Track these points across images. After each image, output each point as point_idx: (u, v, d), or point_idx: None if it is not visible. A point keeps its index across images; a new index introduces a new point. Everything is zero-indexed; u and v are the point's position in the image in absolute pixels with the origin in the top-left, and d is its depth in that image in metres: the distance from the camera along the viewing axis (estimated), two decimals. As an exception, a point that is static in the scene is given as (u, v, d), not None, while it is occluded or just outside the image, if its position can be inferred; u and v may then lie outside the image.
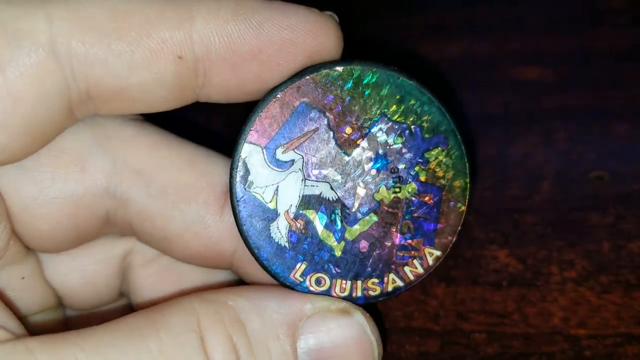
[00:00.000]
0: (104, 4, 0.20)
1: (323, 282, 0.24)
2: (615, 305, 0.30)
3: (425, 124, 0.24)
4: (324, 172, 0.24)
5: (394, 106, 0.23)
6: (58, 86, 0.20)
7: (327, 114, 0.23)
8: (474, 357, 0.30)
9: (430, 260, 0.24)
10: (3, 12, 0.20)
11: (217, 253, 0.25)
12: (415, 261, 0.24)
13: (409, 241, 0.24)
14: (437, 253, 0.24)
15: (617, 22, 0.36)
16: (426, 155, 0.24)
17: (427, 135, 0.24)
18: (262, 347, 0.21)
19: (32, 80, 0.20)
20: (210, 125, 0.33)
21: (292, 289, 0.24)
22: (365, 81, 0.23)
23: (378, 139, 0.24)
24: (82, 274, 0.26)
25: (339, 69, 0.23)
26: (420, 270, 0.24)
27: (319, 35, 0.22)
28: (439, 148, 0.24)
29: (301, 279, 0.24)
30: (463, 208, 0.24)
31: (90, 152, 0.24)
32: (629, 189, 0.32)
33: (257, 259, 0.24)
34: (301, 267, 0.24)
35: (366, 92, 0.23)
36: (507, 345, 0.30)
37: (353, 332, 0.22)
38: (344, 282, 0.24)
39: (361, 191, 0.24)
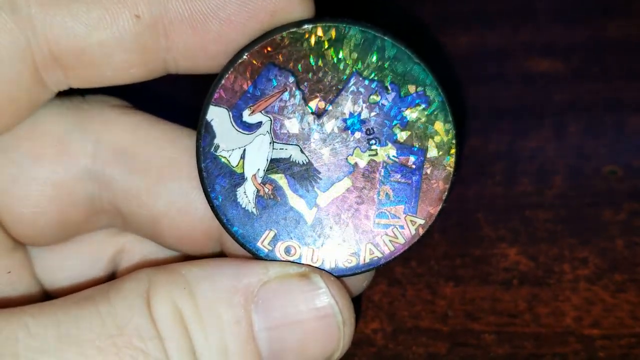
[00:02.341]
0: None
1: (293, 250, 0.23)
2: (630, 305, 0.29)
3: (402, 81, 0.22)
4: (294, 134, 0.22)
5: (368, 63, 0.22)
6: (19, 45, 0.21)
7: (296, 74, 0.22)
8: (484, 359, 0.29)
9: (412, 229, 0.23)
10: None
11: (203, 232, 0.25)
12: (395, 230, 0.23)
13: (388, 208, 0.23)
14: (420, 221, 0.23)
15: (630, 11, 0.36)
16: (405, 114, 0.22)
17: (404, 92, 0.22)
18: (211, 313, 0.20)
19: None
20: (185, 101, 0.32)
21: (261, 258, 0.23)
22: (335, 38, 0.22)
23: (351, 99, 0.22)
24: (70, 272, 0.26)
25: (307, 26, 0.22)
26: (401, 239, 0.23)
27: None
28: (420, 106, 0.22)
29: (269, 247, 0.23)
30: (450, 169, 0.22)
31: (72, 134, 0.24)
32: (644, 184, 0.32)
33: (224, 225, 0.23)
34: (269, 234, 0.23)
35: (336, 50, 0.22)
36: (518, 346, 0.29)
37: (312, 296, 0.22)
38: (316, 251, 0.23)
39: (334, 154, 0.22)
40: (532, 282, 0.30)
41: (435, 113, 0.22)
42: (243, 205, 0.23)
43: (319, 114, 0.22)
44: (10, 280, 0.24)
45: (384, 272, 0.31)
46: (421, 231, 0.23)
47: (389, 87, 0.22)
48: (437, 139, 0.22)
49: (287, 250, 0.23)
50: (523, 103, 0.34)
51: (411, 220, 0.23)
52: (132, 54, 0.22)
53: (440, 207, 0.23)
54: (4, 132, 0.22)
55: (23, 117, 0.22)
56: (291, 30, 0.22)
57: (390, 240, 0.23)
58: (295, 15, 0.22)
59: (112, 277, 0.27)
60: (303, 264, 0.23)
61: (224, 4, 0.21)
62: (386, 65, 0.22)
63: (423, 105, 0.22)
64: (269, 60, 0.22)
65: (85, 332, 0.19)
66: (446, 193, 0.23)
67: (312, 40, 0.22)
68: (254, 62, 0.22)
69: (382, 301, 0.31)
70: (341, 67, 0.22)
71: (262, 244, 0.23)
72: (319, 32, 0.22)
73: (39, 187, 0.23)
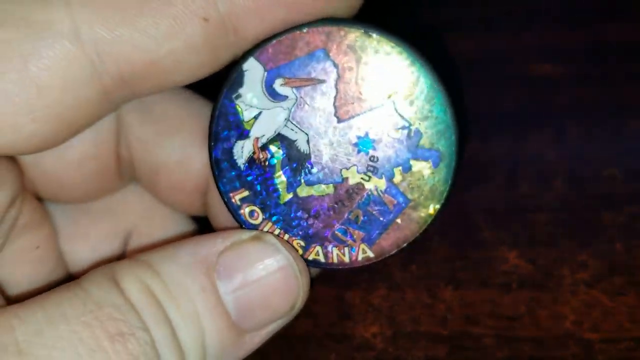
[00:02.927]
0: None
1: (256, 216, 0.24)
2: (630, 308, 0.30)
3: (427, 133, 0.22)
4: (309, 123, 0.23)
5: (408, 100, 0.22)
6: (85, 72, 0.20)
7: (341, 72, 0.22)
8: (483, 362, 0.29)
9: (360, 257, 0.23)
10: (22, 4, 0.20)
11: (194, 187, 0.26)
12: (346, 249, 0.23)
13: (351, 229, 0.23)
14: (370, 255, 0.23)
15: (631, 16, 0.35)
16: (411, 163, 0.23)
17: (423, 145, 0.22)
18: (178, 285, 0.22)
19: (56, 70, 0.20)
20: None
21: (229, 211, 0.24)
22: (396, 60, 0.22)
23: (375, 121, 0.22)
24: (88, 253, 0.27)
25: (375, 35, 0.22)
26: (345, 259, 0.24)
27: None
28: (428, 163, 0.23)
29: (238, 204, 0.24)
30: (418, 230, 0.23)
31: None
32: (644, 188, 0.32)
33: (212, 164, 0.23)
34: (243, 193, 0.23)
35: (387, 72, 0.22)
36: (518, 349, 0.29)
37: (267, 252, 0.23)
38: (274, 227, 0.24)
39: (333, 160, 0.23)
40: (531, 285, 0.30)
41: (437, 176, 0.23)
42: (235, 158, 0.23)
43: (339, 119, 0.23)
44: (39, 256, 0.26)
45: (383, 276, 0.31)
46: (366, 262, 0.24)
47: (413, 133, 0.22)
48: (426, 194, 0.23)
49: (251, 214, 0.24)
50: (523, 107, 0.34)
51: (363, 249, 0.23)
52: (202, 56, 0.22)
53: (393, 252, 0.23)
54: (65, 142, 0.22)
55: (85, 128, 0.23)
56: (360, 30, 0.22)
57: (337, 254, 0.24)
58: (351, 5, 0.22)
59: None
60: (253, 230, 0.24)
61: None
62: (423, 110, 0.22)
63: (431, 164, 0.23)
64: (324, 45, 0.22)
65: (69, 310, 0.20)
66: (405, 245, 0.23)
67: (374, 49, 0.22)
68: (311, 40, 0.22)
69: (381, 305, 0.31)
70: (384, 88, 0.22)
71: (235, 197, 0.24)
72: (384, 46, 0.22)
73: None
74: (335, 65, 0.22)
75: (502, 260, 0.31)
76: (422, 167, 0.23)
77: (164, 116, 0.26)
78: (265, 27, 0.22)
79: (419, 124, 0.22)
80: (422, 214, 0.23)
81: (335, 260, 0.24)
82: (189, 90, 0.27)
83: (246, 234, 0.23)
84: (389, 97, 0.22)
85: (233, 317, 0.22)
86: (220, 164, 0.23)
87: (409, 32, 0.36)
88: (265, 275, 0.23)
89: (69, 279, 0.27)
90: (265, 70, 0.22)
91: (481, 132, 0.34)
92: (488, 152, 0.33)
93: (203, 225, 0.29)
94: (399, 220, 0.23)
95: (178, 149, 0.26)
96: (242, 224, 0.24)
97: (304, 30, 0.22)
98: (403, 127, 0.22)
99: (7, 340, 0.19)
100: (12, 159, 0.24)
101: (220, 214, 0.26)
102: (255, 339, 0.23)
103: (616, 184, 0.32)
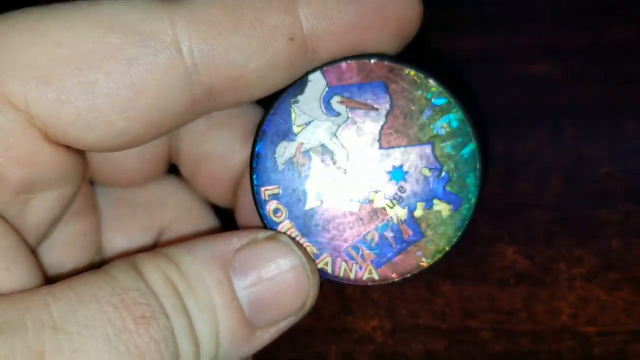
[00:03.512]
0: (216, 2, 0.22)
1: (280, 214, 0.24)
2: (625, 303, 0.30)
3: (455, 180, 0.24)
4: (353, 143, 0.24)
5: (447, 146, 0.24)
6: (181, 82, 0.22)
7: (394, 106, 0.24)
8: (482, 356, 0.30)
9: (366, 277, 0.25)
10: (130, 15, 0.21)
11: (232, 181, 0.27)
12: (354, 266, 0.25)
13: (364, 249, 0.24)
14: (375, 277, 0.25)
15: (628, 15, 0.36)
16: (434, 202, 0.24)
17: (449, 189, 0.24)
18: (197, 279, 0.22)
19: (156, 76, 0.21)
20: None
21: (256, 204, 0.25)
22: (445, 110, 0.24)
23: (411, 157, 0.24)
24: (125, 243, 0.29)
25: (433, 82, 0.24)
26: (351, 275, 0.25)
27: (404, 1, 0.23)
28: (450, 206, 0.24)
29: (266, 199, 0.24)
30: (424, 265, 0.24)
31: None
32: (639, 186, 0.32)
33: (252, 156, 0.24)
34: (274, 190, 0.24)
35: (437, 118, 0.24)
36: (515, 343, 0.30)
37: (281, 252, 0.24)
38: (294, 229, 0.24)
39: (365, 181, 0.24)
40: (529, 280, 0.31)
41: (454, 220, 0.24)
42: (276, 156, 0.24)
43: (381, 146, 0.24)
44: (85, 243, 0.27)
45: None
46: (369, 283, 0.25)
47: (443, 175, 0.24)
48: (440, 234, 0.24)
49: (276, 212, 0.24)
50: (521, 106, 0.34)
51: (370, 270, 0.24)
52: (283, 73, 0.23)
53: (398, 279, 0.24)
54: (143, 144, 0.23)
55: (164, 135, 0.24)
56: (421, 75, 0.24)
57: (345, 269, 0.25)
58: (413, 25, 0.24)
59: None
60: (270, 229, 0.25)
61: (364, 13, 0.23)
62: (456, 158, 0.24)
63: (452, 208, 0.24)
64: (385, 78, 0.24)
65: (99, 292, 0.21)
66: (409, 276, 0.24)
67: (431, 94, 0.24)
68: (374, 71, 0.24)
69: (381, 299, 0.31)
70: (428, 130, 0.24)
71: (265, 193, 0.24)
72: (437, 95, 0.24)
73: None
74: (391, 99, 0.24)
75: (501, 256, 0.31)
76: (443, 209, 0.24)
77: (218, 112, 0.26)
78: (339, 49, 0.23)
79: (451, 169, 0.24)
80: (431, 252, 0.24)
81: (342, 275, 0.25)
82: None
83: (262, 234, 0.24)
84: (430, 139, 0.24)
85: (246, 313, 0.23)
86: (260, 158, 0.24)
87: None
88: (278, 274, 0.23)
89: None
90: (327, 85, 0.24)
91: (480, 132, 0.34)
92: (487, 150, 0.34)
93: (228, 224, 0.29)
94: (409, 252, 0.24)
95: (223, 143, 0.27)
96: (264, 219, 0.25)
97: (372, 61, 0.24)
98: (435, 169, 0.24)
99: (43, 317, 0.20)
100: (83, 155, 0.25)
101: (246, 209, 0.27)
102: (266, 336, 0.24)
103: (613, 182, 0.32)
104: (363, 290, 0.31)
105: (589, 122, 0.34)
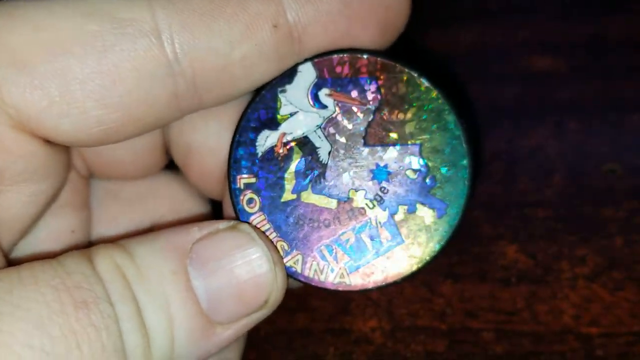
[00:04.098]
0: None
1: (253, 205, 0.24)
2: (629, 303, 0.30)
3: (442, 185, 0.23)
4: (337, 138, 0.24)
5: (435, 149, 0.23)
6: (161, 71, 0.22)
7: (383, 103, 0.23)
8: (482, 356, 0.30)
9: (337, 280, 0.24)
10: (109, 3, 0.21)
11: (223, 172, 0.26)
12: (326, 267, 0.24)
13: (338, 250, 0.24)
14: (347, 282, 0.24)
15: (632, 9, 0.36)
16: (417, 206, 0.24)
17: (434, 193, 0.23)
18: (150, 269, 0.22)
19: (133, 63, 0.21)
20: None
21: (230, 192, 0.24)
22: (436, 110, 0.23)
23: (397, 157, 0.24)
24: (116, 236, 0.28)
25: (425, 82, 0.23)
26: (321, 277, 0.24)
27: None
28: (433, 211, 0.23)
29: (241, 188, 0.24)
30: (401, 274, 0.24)
31: None
32: (643, 182, 0.32)
33: (232, 142, 0.24)
34: (250, 179, 0.24)
35: (424, 117, 0.23)
36: (517, 344, 0.30)
37: (241, 242, 0.23)
38: (265, 221, 0.24)
39: (345, 178, 0.24)
40: (530, 280, 0.31)
41: (437, 228, 0.24)
42: (256, 144, 0.24)
43: (366, 143, 0.24)
44: (73, 239, 0.26)
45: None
46: (339, 288, 0.24)
47: (429, 180, 0.23)
48: (420, 242, 0.24)
49: (249, 202, 0.24)
50: (523, 101, 0.34)
51: (342, 274, 0.24)
52: (270, 64, 0.23)
53: (371, 287, 0.24)
54: (126, 139, 0.23)
55: (149, 130, 0.23)
56: (414, 73, 0.23)
57: (315, 270, 0.24)
58: (402, 16, 0.24)
59: None
60: (233, 219, 0.24)
61: (349, 2, 0.23)
62: (444, 162, 0.23)
63: (436, 213, 0.24)
64: (377, 74, 0.23)
65: (40, 274, 0.21)
66: (382, 284, 0.24)
67: (419, 94, 0.23)
68: (365, 66, 0.23)
69: (380, 299, 0.31)
70: (418, 131, 0.23)
71: (240, 180, 0.24)
72: (428, 96, 0.23)
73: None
74: (381, 95, 0.23)
75: (501, 255, 0.31)
76: (426, 214, 0.24)
77: None
78: (326, 40, 0.23)
79: (438, 174, 0.23)
80: (410, 261, 0.24)
81: (311, 275, 0.24)
82: None
83: (223, 224, 0.24)
84: (419, 140, 0.23)
85: (203, 305, 0.22)
86: (240, 144, 0.24)
87: (407, 27, 0.36)
88: (237, 265, 0.23)
89: None
90: (317, 77, 0.24)
91: (481, 127, 0.34)
92: (487, 146, 0.34)
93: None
94: (386, 258, 0.24)
95: (213, 134, 0.26)
96: (236, 207, 0.24)
97: (364, 56, 0.23)
98: (421, 171, 0.24)
99: None
100: (63, 150, 0.24)
101: (228, 199, 0.27)
102: (227, 333, 0.23)
103: (616, 179, 0.32)
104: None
105: (592, 117, 0.34)
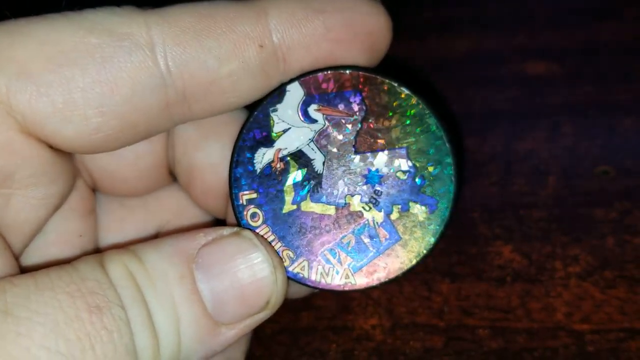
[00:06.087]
0: (190, 10, 0.23)
1: (257, 219, 0.25)
2: (619, 301, 0.30)
3: (430, 182, 0.25)
4: (329, 149, 0.25)
5: (421, 150, 0.25)
6: (154, 82, 0.23)
7: (369, 113, 0.25)
8: (478, 352, 0.30)
9: (342, 281, 0.25)
10: (109, 19, 0.23)
11: (225, 190, 0.27)
12: (331, 270, 0.25)
13: (341, 252, 0.25)
14: (352, 281, 0.25)
15: (625, 15, 0.36)
16: (410, 204, 0.25)
17: (424, 191, 0.25)
18: (158, 272, 0.23)
19: (130, 73, 0.23)
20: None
21: (233, 208, 0.25)
22: (418, 116, 0.25)
23: (386, 161, 0.25)
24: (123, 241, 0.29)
25: (405, 91, 0.24)
26: (329, 280, 0.25)
27: (373, 15, 0.24)
28: (425, 208, 0.25)
29: (244, 203, 0.25)
30: (403, 268, 0.25)
31: None
32: (635, 184, 0.32)
33: (231, 161, 0.25)
34: (252, 194, 0.25)
35: (407, 122, 0.25)
36: (511, 340, 0.30)
37: (244, 247, 0.24)
38: (269, 233, 0.25)
39: (340, 185, 0.25)
40: (525, 278, 0.31)
41: (430, 223, 0.25)
42: (254, 161, 0.25)
43: (357, 151, 0.25)
44: (80, 244, 0.27)
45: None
46: (346, 288, 0.25)
47: (418, 179, 0.25)
48: (416, 237, 0.25)
49: (253, 216, 0.25)
50: (518, 105, 0.35)
51: (347, 274, 0.25)
52: (256, 81, 0.24)
53: (376, 283, 0.25)
54: (121, 147, 0.24)
55: (141, 138, 0.24)
56: (392, 83, 0.25)
57: (321, 273, 0.25)
58: (384, 38, 0.25)
59: None
60: (237, 226, 0.25)
61: (332, 26, 0.24)
62: (431, 161, 0.25)
63: (427, 210, 0.25)
64: (361, 87, 0.25)
65: (56, 281, 0.22)
66: (385, 280, 0.25)
67: (400, 101, 0.25)
68: (348, 80, 0.25)
69: (380, 298, 0.32)
70: (403, 135, 0.25)
71: (243, 197, 0.25)
72: (409, 102, 0.24)
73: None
74: (365, 106, 0.25)
75: (497, 255, 0.32)
76: (419, 211, 0.25)
77: (208, 121, 0.27)
78: (310, 59, 0.24)
79: (426, 173, 0.25)
80: (409, 255, 0.25)
81: (318, 279, 0.25)
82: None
83: (227, 230, 0.24)
84: (405, 143, 0.25)
85: (209, 307, 0.23)
86: (239, 164, 0.25)
87: (406, 32, 0.36)
88: (240, 269, 0.24)
89: None
90: (305, 94, 0.25)
91: (476, 130, 0.35)
92: (483, 149, 0.34)
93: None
94: (386, 255, 0.25)
95: (215, 153, 0.27)
96: (240, 223, 0.25)
97: (347, 72, 0.25)
98: (410, 172, 0.25)
99: None
100: (68, 158, 0.25)
101: (231, 216, 0.27)
102: (231, 333, 0.24)
103: (608, 181, 0.33)
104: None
105: (585, 121, 0.34)
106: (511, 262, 0.31)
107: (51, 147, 0.24)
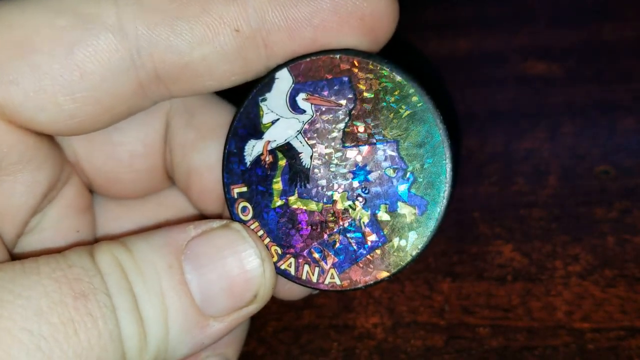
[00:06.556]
0: None
1: (247, 212, 0.25)
2: (620, 299, 0.30)
3: (421, 180, 0.23)
4: (317, 142, 0.24)
5: (412, 145, 0.23)
6: (124, 64, 0.22)
7: (358, 102, 0.23)
8: (479, 351, 0.30)
9: (327, 281, 0.24)
10: (78, 0, 0.22)
11: (220, 191, 0.27)
12: (317, 269, 0.24)
13: (327, 252, 0.24)
14: (337, 282, 0.24)
15: (623, 16, 0.36)
16: (399, 204, 0.23)
17: (414, 190, 0.23)
18: (147, 263, 0.23)
19: (98, 58, 0.22)
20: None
21: (226, 201, 0.25)
22: (412, 105, 0.23)
23: (375, 156, 0.24)
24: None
25: (399, 77, 0.23)
26: (313, 278, 0.24)
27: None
28: (414, 209, 0.23)
29: (235, 197, 0.25)
30: (385, 275, 0.24)
31: None
32: (635, 184, 0.32)
33: (224, 155, 0.25)
34: (242, 188, 0.25)
35: (401, 113, 0.23)
36: (512, 338, 0.30)
37: (232, 239, 0.24)
38: (259, 227, 0.25)
39: (328, 181, 0.24)
40: (525, 277, 0.31)
41: (420, 224, 0.23)
42: (244, 154, 0.25)
43: (345, 145, 0.24)
44: (79, 238, 0.27)
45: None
46: (330, 288, 0.24)
47: (408, 176, 0.23)
48: (404, 238, 0.23)
49: (243, 210, 0.25)
50: (519, 105, 0.35)
51: (332, 274, 0.24)
52: (233, 65, 0.23)
53: (360, 286, 0.24)
54: (102, 128, 0.24)
55: (122, 118, 0.24)
56: (388, 70, 0.23)
57: (307, 272, 0.24)
58: (385, 25, 0.23)
59: None
60: (226, 219, 0.25)
61: (317, 11, 0.23)
62: (422, 158, 0.23)
63: (417, 211, 0.23)
64: (350, 74, 0.23)
65: (43, 267, 0.22)
66: (370, 283, 0.24)
67: (394, 89, 0.23)
68: (340, 66, 0.23)
69: (382, 297, 0.32)
70: (393, 127, 0.23)
71: (234, 190, 0.25)
72: (403, 90, 0.23)
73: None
74: (355, 95, 0.23)
75: (498, 254, 0.32)
76: (407, 212, 0.23)
77: (204, 123, 0.27)
78: (294, 45, 0.23)
79: (416, 170, 0.23)
80: (395, 258, 0.24)
81: (304, 277, 0.24)
82: (220, 98, 0.28)
83: (217, 223, 0.24)
84: (395, 137, 0.23)
85: (197, 298, 0.23)
86: (230, 156, 0.25)
87: (407, 33, 0.36)
88: (228, 261, 0.23)
89: None
90: (293, 82, 0.24)
91: (477, 130, 0.35)
92: (484, 149, 0.34)
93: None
94: (371, 257, 0.24)
95: (213, 154, 0.27)
96: (232, 216, 0.25)
97: (337, 56, 0.23)
98: (399, 168, 0.23)
99: None
100: (53, 144, 0.25)
101: (226, 211, 0.27)
102: (219, 326, 0.24)
103: (608, 180, 0.33)
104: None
105: (585, 120, 0.34)
106: (512, 261, 0.32)
107: (32, 132, 0.23)
